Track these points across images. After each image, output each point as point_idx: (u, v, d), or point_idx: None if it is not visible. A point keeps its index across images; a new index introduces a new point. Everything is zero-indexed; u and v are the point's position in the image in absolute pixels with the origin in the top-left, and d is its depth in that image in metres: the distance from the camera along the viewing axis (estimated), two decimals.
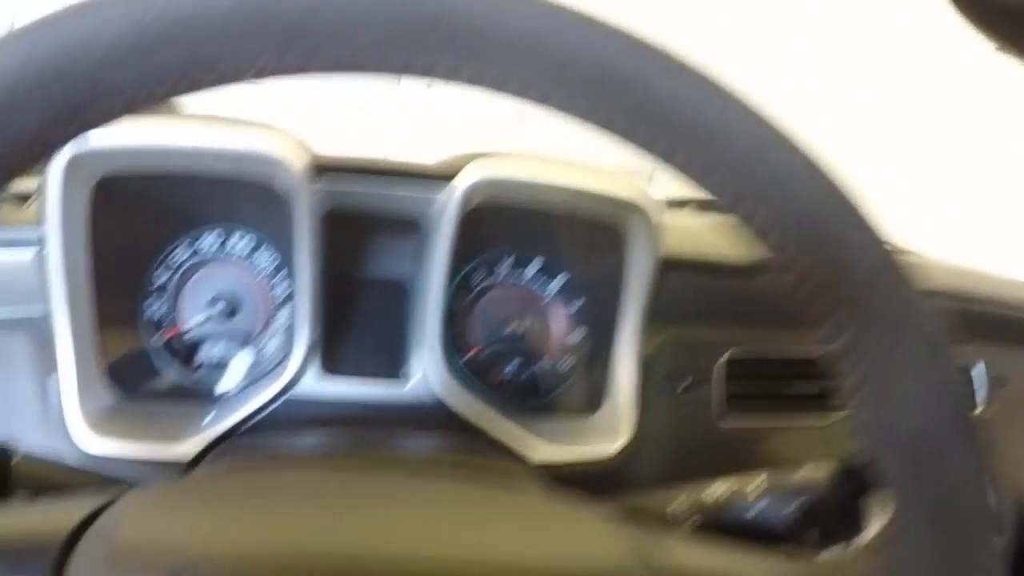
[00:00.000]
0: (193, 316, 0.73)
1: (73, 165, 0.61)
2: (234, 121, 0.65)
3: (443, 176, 0.65)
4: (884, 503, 0.40)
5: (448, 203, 0.64)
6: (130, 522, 0.32)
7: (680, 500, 0.58)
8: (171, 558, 0.30)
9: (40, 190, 0.64)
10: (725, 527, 0.55)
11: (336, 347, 0.73)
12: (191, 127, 0.64)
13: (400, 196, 0.67)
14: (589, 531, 0.41)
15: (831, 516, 0.57)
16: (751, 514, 0.55)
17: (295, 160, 0.62)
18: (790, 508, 0.55)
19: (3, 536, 0.32)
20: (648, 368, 0.75)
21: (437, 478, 0.46)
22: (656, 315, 0.75)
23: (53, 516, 0.33)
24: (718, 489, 0.58)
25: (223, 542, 0.31)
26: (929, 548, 0.37)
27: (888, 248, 0.36)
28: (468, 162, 0.65)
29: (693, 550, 0.41)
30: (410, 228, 0.72)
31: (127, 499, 0.34)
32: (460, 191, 0.64)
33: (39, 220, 0.64)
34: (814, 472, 0.59)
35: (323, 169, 0.65)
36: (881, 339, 0.35)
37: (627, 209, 0.68)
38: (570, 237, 0.75)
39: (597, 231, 0.71)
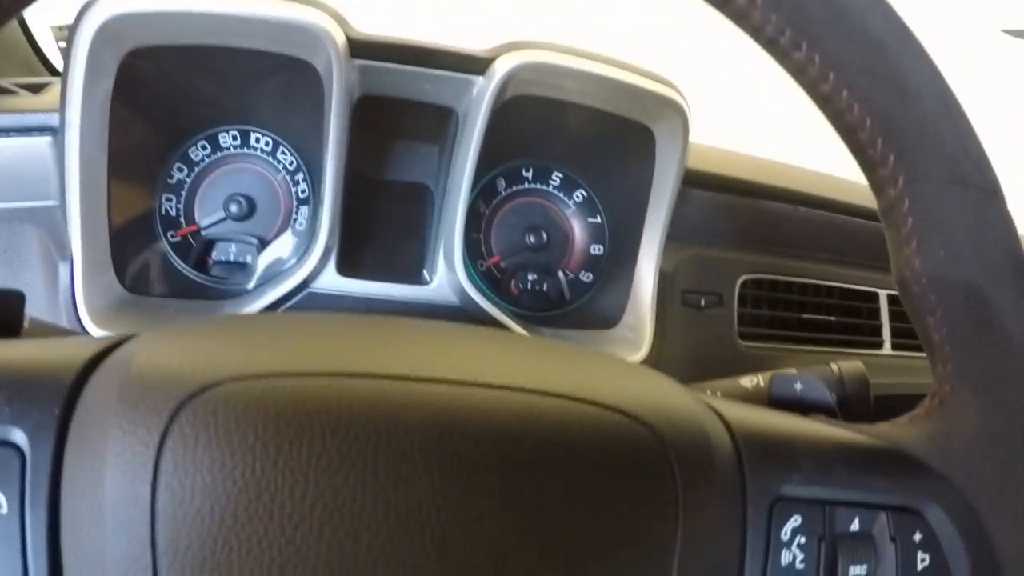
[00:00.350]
0: (209, 215, 0.72)
1: (103, 32, 0.58)
2: None
3: (484, 60, 0.64)
4: (935, 369, 0.39)
5: (488, 87, 0.63)
6: (145, 352, 0.30)
7: (714, 388, 0.57)
8: (185, 382, 0.28)
9: (65, 66, 0.62)
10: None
11: (356, 247, 0.71)
12: None
13: (438, 78, 0.65)
14: (635, 370, 0.39)
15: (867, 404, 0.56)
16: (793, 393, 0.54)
17: (336, 34, 0.60)
18: (829, 394, 0.54)
19: (19, 363, 0.30)
20: (668, 284, 0.75)
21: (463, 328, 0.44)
22: (677, 232, 0.75)
23: (69, 349, 0.32)
24: (753, 380, 0.57)
25: (240, 366, 0.29)
26: (978, 409, 0.37)
27: (945, 91, 0.36)
28: (509, 49, 0.64)
29: (746, 408, 0.40)
30: (439, 128, 0.71)
31: (144, 335, 0.33)
32: (501, 74, 0.62)
33: (61, 104, 0.62)
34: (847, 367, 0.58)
35: (362, 46, 0.63)
36: (937, 185, 0.35)
37: (661, 104, 0.67)
38: (597, 147, 0.75)
39: (627, 136, 0.71)
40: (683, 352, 0.75)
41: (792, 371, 0.55)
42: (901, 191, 0.35)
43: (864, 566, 0.35)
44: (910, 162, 0.35)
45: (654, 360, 0.72)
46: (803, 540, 0.34)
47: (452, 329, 0.42)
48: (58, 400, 0.29)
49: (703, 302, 0.75)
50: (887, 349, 0.83)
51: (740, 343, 0.77)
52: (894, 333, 0.83)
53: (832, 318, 0.81)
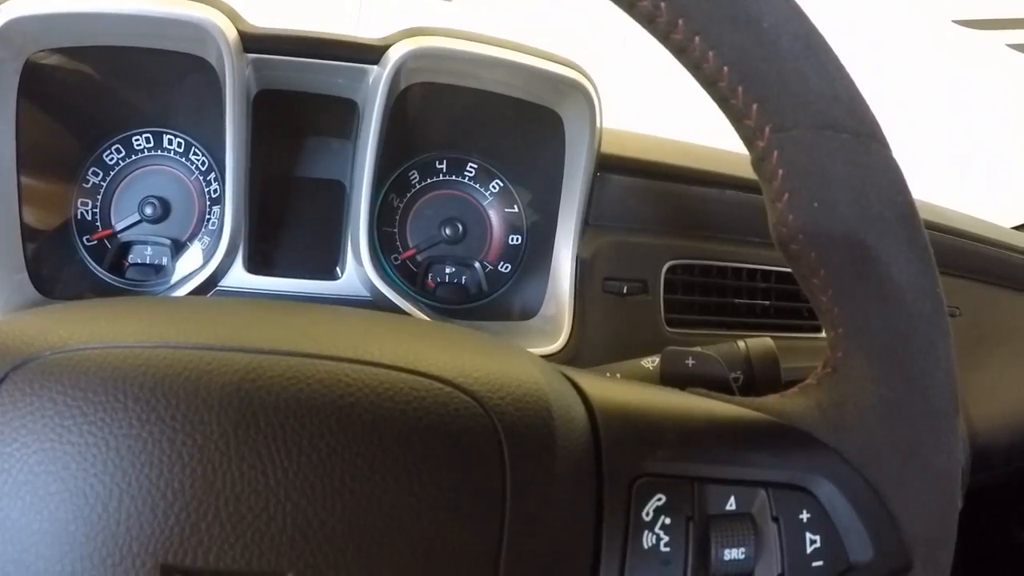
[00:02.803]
0: (124, 218, 0.72)
1: (2, 36, 0.59)
2: None
3: (378, 48, 0.64)
4: (827, 334, 0.36)
5: (382, 75, 0.63)
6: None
7: (614, 370, 0.56)
8: (16, 351, 0.29)
9: None
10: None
11: (268, 245, 0.71)
12: None
13: (332, 69, 0.65)
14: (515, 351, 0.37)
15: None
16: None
17: (226, 29, 0.61)
18: (727, 371, 0.52)
19: None
20: (588, 272, 0.73)
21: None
22: (597, 219, 0.73)
23: None
24: (654, 360, 0.55)
25: (61, 339, 0.30)
26: (873, 375, 0.33)
27: (807, 31, 0.33)
28: (404, 36, 0.64)
29: (614, 384, 0.38)
30: (346, 122, 0.70)
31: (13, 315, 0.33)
32: (393, 60, 0.62)
33: None
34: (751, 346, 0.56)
35: (254, 40, 0.63)
36: (804, 131, 0.32)
37: (567, 87, 0.66)
38: (509, 135, 0.74)
39: (536, 122, 0.70)
40: (606, 340, 0.73)
41: (695, 349, 0.53)
42: (769, 142, 0.32)
43: (741, 549, 0.32)
44: (774, 109, 0.32)
45: (574, 348, 0.70)
46: (668, 521, 0.31)
47: (321, 309, 0.41)
48: None
49: (625, 289, 0.74)
50: (771, 345, 0.80)
51: (668, 330, 0.75)
52: None
53: (767, 302, 0.79)
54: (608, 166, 0.73)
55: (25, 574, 0.26)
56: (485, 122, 0.73)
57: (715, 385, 0.43)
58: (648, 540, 0.31)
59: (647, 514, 0.31)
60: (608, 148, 0.72)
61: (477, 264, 0.75)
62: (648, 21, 0.32)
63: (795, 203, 0.33)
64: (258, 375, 0.29)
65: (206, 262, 0.67)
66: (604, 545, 0.30)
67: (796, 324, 0.80)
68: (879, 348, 0.33)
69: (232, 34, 0.62)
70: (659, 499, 0.31)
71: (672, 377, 0.51)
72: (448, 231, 0.74)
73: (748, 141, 0.34)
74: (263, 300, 0.41)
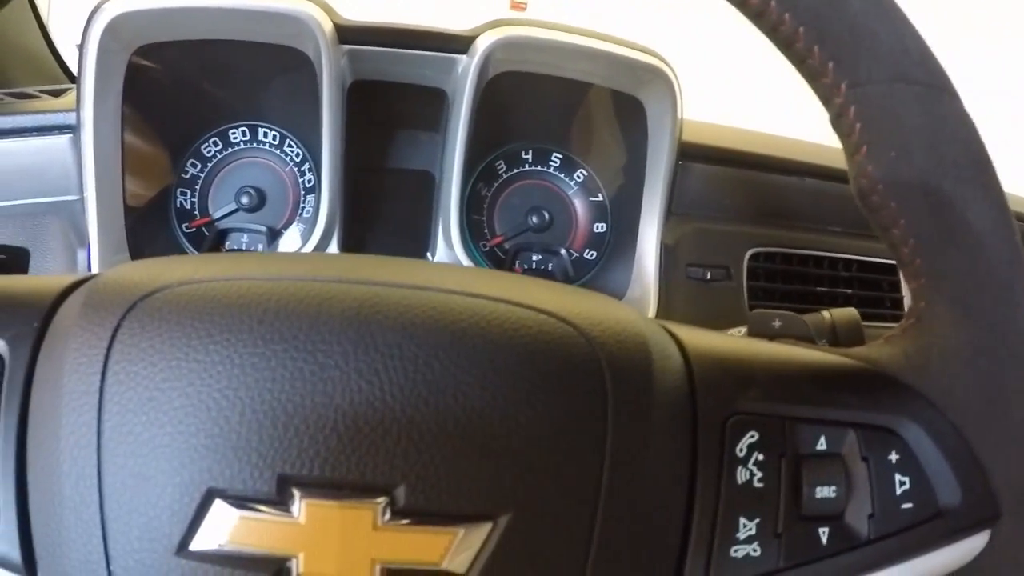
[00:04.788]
0: (222, 207, 0.75)
1: (111, 31, 0.63)
2: None
3: (466, 38, 0.66)
4: (910, 286, 0.37)
5: (471, 64, 0.65)
6: (115, 270, 0.32)
7: None
8: (138, 287, 0.30)
9: (79, 67, 0.66)
10: None
11: (360, 232, 0.73)
12: None
13: (423, 59, 0.67)
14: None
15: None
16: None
17: (323, 21, 0.63)
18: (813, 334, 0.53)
19: (5, 285, 0.32)
20: (672, 258, 0.74)
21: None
22: (680, 206, 0.75)
23: (54, 278, 0.34)
24: (740, 330, 0.56)
25: (186, 274, 0.31)
26: (955, 322, 0.34)
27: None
28: (492, 27, 0.66)
29: (707, 333, 0.39)
30: (436, 113, 0.73)
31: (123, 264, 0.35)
32: (482, 49, 0.64)
33: (76, 103, 0.66)
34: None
35: (348, 32, 0.66)
36: (879, 85, 0.34)
37: (649, 74, 0.67)
38: (592, 124, 0.75)
39: (618, 110, 0.71)
40: (690, 325, 0.73)
41: (782, 311, 0.54)
42: (845, 98, 0.33)
43: (832, 488, 0.32)
44: (849, 66, 0.33)
45: None
46: (761, 457, 0.31)
47: (427, 261, 0.42)
48: (38, 315, 0.31)
49: (709, 275, 0.74)
50: (856, 315, 0.80)
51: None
52: None
53: (849, 291, 0.79)
54: (689, 155, 0.75)
55: (147, 486, 0.27)
56: (568, 111, 0.75)
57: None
58: (742, 475, 0.31)
59: (740, 450, 0.32)
60: (688, 137, 0.74)
61: (563, 251, 0.76)
62: None
63: (873, 154, 0.34)
64: (376, 302, 0.30)
65: (302, 246, 0.70)
66: (699, 479, 0.31)
67: (877, 313, 0.80)
68: (960, 295, 0.34)
69: (328, 26, 0.64)
70: (752, 436, 0.32)
71: (759, 336, 0.52)
72: (535, 219, 0.76)
73: (825, 99, 0.35)
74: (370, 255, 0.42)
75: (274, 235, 0.75)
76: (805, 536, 0.32)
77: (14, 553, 0.29)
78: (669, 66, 0.69)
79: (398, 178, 0.76)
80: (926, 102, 0.33)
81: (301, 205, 0.75)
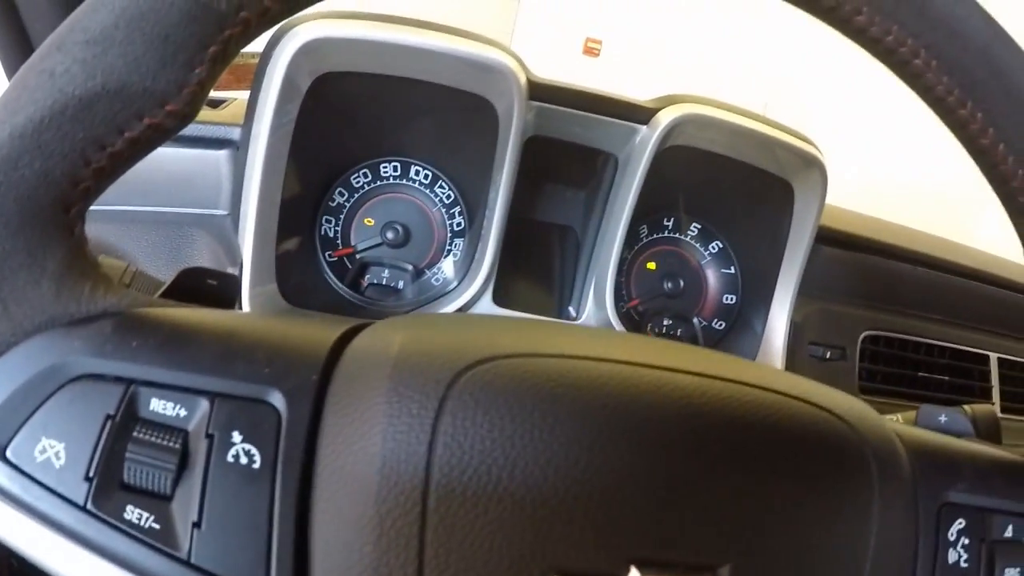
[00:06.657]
0: (365, 239, 0.75)
1: (301, 54, 0.61)
2: (451, 28, 0.66)
3: (650, 110, 0.68)
4: None
5: (651, 136, 0.67)
6: (406, 334, 0.32)
7: None
8: (459, 357, 0.31)
9: (256, 84, 0.64)
10: None
11: (507, 281, 0.74)
12: (418, 29, 0.64)
13: (605, 124, 0.69)
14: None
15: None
16: None
17: (520, 76, 0.64)
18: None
19: (276, 332, 0.32)
20: (797, 335, 0.77)
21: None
22: (806, 286, 0.78)
23: (317, 325, 0.34)
24: (894, 417, 0.59)
25: (506, 346, 0.32)
26: None
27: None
28: (670, 102, 0.68)
29: (908, 426, 0.43)
30: (592, 173, 0.74)
31: (381, 323, 0.35)
32: (664, 123, 0.66)
33: (247, 119, 0.65)
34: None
35: (538, 89, 0.67)
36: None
37: (804, 161, 0.70)
38: (738, 200, 0.78)
39: (767, 190, 0.74)
40: None
41: (947, 408, 0.58)
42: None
43: (1017, 569, 0.38)
44: None
45: None
46: (967, 542, 0.37)
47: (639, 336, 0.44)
48: (315, 368, 0.31)
49: (828, 354, 0.78)
50: (997, 412, 0.85)
51: (860, 397, 0.79)
52: (1003, 396, 0.86)
53: (945, 377, 0.84)
54: (818, 237, 0.78)
55: (481, 566, 0.28)
56: (716, 185, 0.77)
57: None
58: (952, 556, 0.37)
59: (952, 535, 0.37)
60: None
61: (694, 319, 0.79)
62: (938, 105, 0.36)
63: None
64: (700, 396, 0.33)
65: (459, 289, 0.71)
66: (919, 561, 0.37)
67: (967, 400, 0.85)
68: None
69: (523, 81, 0.65)
70: (960, 523, 0.37)
71: (926, 427, 0.57)
72: (669, 284, 0.78)
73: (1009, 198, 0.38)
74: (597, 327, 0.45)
75: (418, 274, 0.75)
76: None
77: None
78: (821, 154, 0.72)
79: (541, 231, 0.77)
80: None
81: (448, 247, 0.76)
